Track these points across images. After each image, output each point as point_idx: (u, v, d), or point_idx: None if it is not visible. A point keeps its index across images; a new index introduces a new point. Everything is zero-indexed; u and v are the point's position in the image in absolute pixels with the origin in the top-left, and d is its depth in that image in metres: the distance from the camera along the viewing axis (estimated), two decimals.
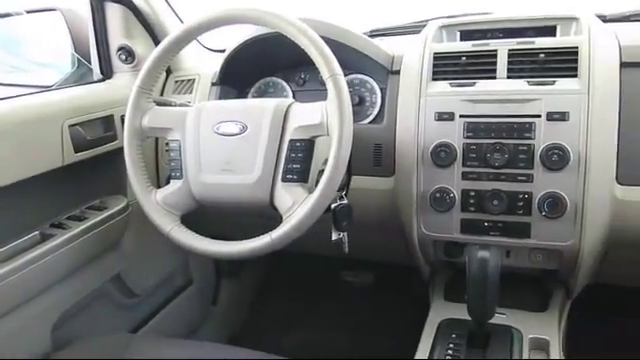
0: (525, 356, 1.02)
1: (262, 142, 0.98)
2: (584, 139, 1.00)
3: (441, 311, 1.16)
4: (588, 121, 1.00)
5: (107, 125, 1.29)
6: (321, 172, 0.95)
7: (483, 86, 1.09)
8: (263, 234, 0.95)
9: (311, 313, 1.91)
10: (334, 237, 1.05)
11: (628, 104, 1.02)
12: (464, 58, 1.12)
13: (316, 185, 0.94)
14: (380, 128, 1.19)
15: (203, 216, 1.11)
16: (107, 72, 1.46)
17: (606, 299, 1.53)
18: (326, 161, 0.93)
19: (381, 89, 1.24)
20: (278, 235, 0.94)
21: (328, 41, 0.97)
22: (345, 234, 1.06)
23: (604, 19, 1.27)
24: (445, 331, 1.10)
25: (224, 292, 1.83)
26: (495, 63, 1.10)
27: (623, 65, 1.04)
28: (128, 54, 1.43)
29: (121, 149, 1.09)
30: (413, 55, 1.17)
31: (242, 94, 1.39)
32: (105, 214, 1.26)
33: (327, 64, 0.92)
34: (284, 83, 1.36)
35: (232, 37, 1.32)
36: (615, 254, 1.14)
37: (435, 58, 1.14)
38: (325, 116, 0.93)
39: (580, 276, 1.13)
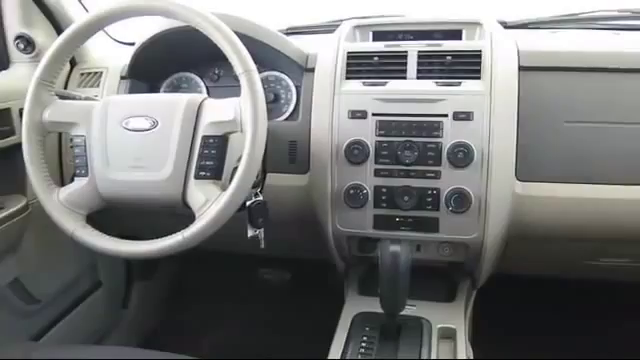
0: (434, 345, 1.06)
1: (174, 138, 0.96)
2: (487, 138, 1.06)
3: (355, 305, 1.19)
4: (490, 121, 1.06)
5: (3, 119, 1.20)
6: (235, 169, 0.94)
7: (394, 86, 1.12)
8: (176, 233, 0.93)
9: (229, 312, 1.89)
10: (250, 234, 1.04)
11: (526, 106, 1.09)
12: (376, 58, 1.15)
13: (230, 182, 0.93)
14: (295, 125, 1.19)
15: (111, 215, 1.06)
16: (3, 62, 1.36)
17: (509, 288, 1.63)
18: (240, 158, 0.92)
19: (296, 86, 1.25)
20: (190, 233, 0.92)
21: (242, 37, 0.96)
22: (261, 230, 1.06)
23: (505, 25, 1.35)
24: (359, 325, 1.12)
25: (136, 294, 1.76)
26: (406, 64, 1.13)
27: (521, 69, 1.11)
28: (27, 43, 1.34)
29: (19, 145, 1.02)
30: (327, 54, 1.18)
31: (154, 89, 1.35)
32: (1, 215, 1.17)
33: (240, 60, 0.91)
34: (198, 79, 1.33)
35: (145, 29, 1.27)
36: (515, 246, 1.22)
37: (349, 57, 1.16)
38: (239, 112, 0.92)
39: (484, 267, 1.19)
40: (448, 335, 1.11)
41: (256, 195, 1.06)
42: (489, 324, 1.49)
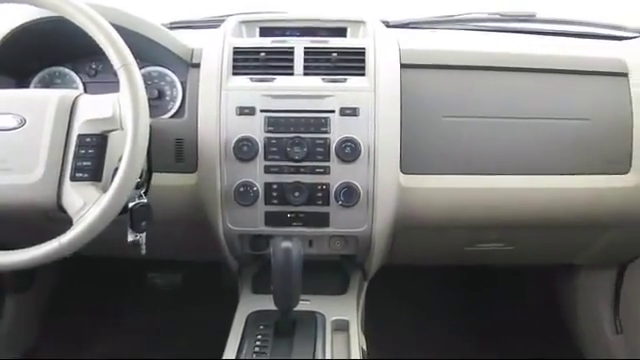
0: (328, 338, 1.08)
1: (45, 137, 0.89)
2: (372, 133, 1.09)
3: (249, 304, 1.17)
4: (375, 116, 1.09)
5: None
6: (117, 170, 0.89)
7: (282, 82, 1.12)
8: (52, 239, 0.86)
9: (115, 321, 1.79)
10: (130, 238, 1.00)
11: (407, 101, 1.14)
12: (263, 54, 1.14)
13: (111, 184, 0.88)
14: (181, 123, 1.15)
15: None
16: None
17: (399, 278, 1.71)
18: (122, 158, 0.87)
19: (181, 82, 1.21)
20: (68, 239, 0.86)
21: (120, 29, 0.91)
22: (143, 235, 1.01)
23: (388, 25, 1.40)
24: (253, 323, 1.11)
25: (9, 308, 1.61)
26: (292, 60, 1.14)
27: (402, 66, 1.16)
28: None
29: None
30: (213, 49, 1.16)
31: (22, 85, 1.24)
32: None
33: (118, 53, 0.87)
34: (73, 73, 1.24)
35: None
36: (403, 236, 1.27)
37: (235, 53, 1.14)
38: (118, 109, 0.88)
39: (374, 258, 1.23)
40: (342, 327, 1.13)
41: (140, 197, 1.01)
42: (381, 314, 1.55)
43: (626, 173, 1.18)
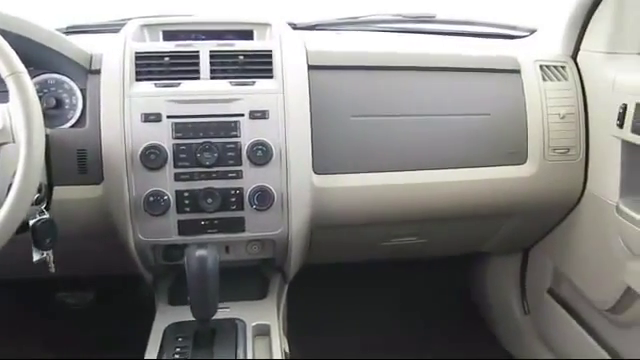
0: (249, 344, 1.07)
1: None
2: (283, 135, 1.09)
3: (166, 317, 1.14)
4: (285, 118, 1.09)
5: None
6: (11, 185, 0.83)
7: (188, 86, 1.10)
8: None
9: (21, 348, 1.67)
10: (36, 258, 0.94)
11: (317, 102, 1.15)
12: (167, 58, 1.11)
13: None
14: (83, 132, 1.10)
15: None
16: None
17: (319, 277, 1.72)
18: (15, 172, 0.81)
19: (81, 90, 1.14)
20: None
21: (7, 35, 0.85)
22: (50, 252, 0.96)
23: (294, 27, 1.41)
24: (171, 336, 1.08)
25: None
26: (198, 64, 1.11)
27: (310, 68, 1.17)
28: None
29: None
30: (113, 54, 1.11)
31: None
32: None
33: (4, 61, 0.81)
34: None
35: None
36: (320, 236, 1.28)
37: (137, 58, 1.10)
38: (8, 120, 0.82)
39: (293, 260, 1.23)
40: (263, 332, 1.12)
41: (41, 213, 0.95)
42: (303, 315, 1.55)
43: (523, 163, 1.26)
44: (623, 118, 1.14)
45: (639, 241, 1.10)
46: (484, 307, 1.84)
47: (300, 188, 1.12)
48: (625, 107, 1.13)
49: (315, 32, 1.47)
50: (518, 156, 1.25)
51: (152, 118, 1.06)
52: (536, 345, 1.59)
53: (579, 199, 1.31)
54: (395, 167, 1.19)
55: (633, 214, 1.11)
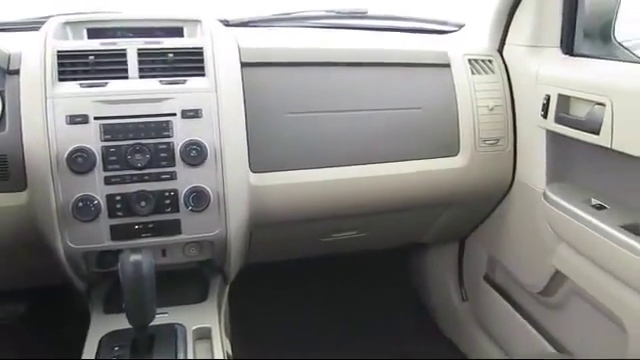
0: (190, 348, 1.04)
1: None
2: (217, 134, 1.07)
3: (101, 326, 1.09)
4: (219, 117, 1.07)
5: None
6: None
7: (115, 86, 1.06)
8: None
9: None
10: None
11: (251, 100, 1.14)
12: (92, 57, 1.06)
13: None
14: (2, 137, 1.04)
15: None
16: None
17: (261, 276, 1.71)
18: None
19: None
20: None
21: None
22: None
23: (227, 24, 1.39)
24: (107, 346, 1.04)
25: None
26: (126, 62, 1.08)
27: (243, 65, 1.15)
28: None
29: None
30: (33, 53, 1.05)
31: None
32: None
33: None
34: None
35: None
36: (260, 235, 1.27)
37: (60, 57, 1.05)
38: None
39: (233, 261, 1.21)
40: (204, 335, 1.09)
41: None
42: (247, 316, 1.54)
43: (456, 155, 1.29)
44: (547, 109, 1.19)
45: (565, 226, 1.15)
46: (424, 296, 1.88)
47: (237, 187, 1.11)
48: (548, 98, 1.19)
49: (248, 29, 1.45)
50: (450, 148, 1.29)
51: (78, 120, 1.02)
52: (474, 330, 1.64)
53: (509, 188, 1.37)
54: (331, 163, 1.20)
55: (559, 200, 1.17)
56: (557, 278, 1.26)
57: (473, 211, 1.48)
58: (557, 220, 1.18)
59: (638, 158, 0.98)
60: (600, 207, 1.10)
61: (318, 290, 1.94)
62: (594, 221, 1.06)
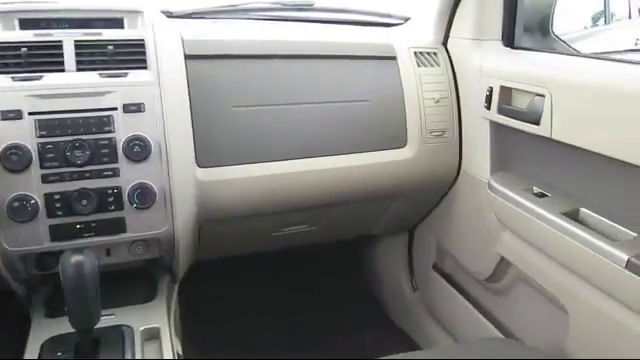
0: (138, 349, 1.01)
1: None
2: (161, 128, 1.04)
3: (42, 331, 1.05)
4: (163, 111, 1.04)
5: None
6: None
7: (51, 80, 1.01)
8: None
9: None
10: None
11: (196, 93, 1.11)
12: (25, 49, 1.01)
13: None
14: None
15: None
16: None
17: (213, 272, 1.68)
18: None
19: None
20: None
21: None
22: None
23: (170, 15, 1.35)
24: (49, 351, 0.99)
25: None
26: (62, 55, 1.03)
27: (187, 57, 1.12)
28: None
29: None
30: None
31: None
32: None
33: None
34: None
35: None
36: (210, 231, 1.25)
37: None
38: None
39: (181, 258, 1.19)
40: (152, 335, 1.07)
41: None
42: (198, 314, 1.51)
43: (403, 147, 1.31)
44: (490, 100, 1.22)
45: (509, 214, 1.19)
46: (376, 288, 1.90)
47: (183, 183, 1.08)
48: (491, 90, 1.22)
49: (192, 20, 1.41)
50: (398, 140, 1.30)
51: (11, 115, 0.96)
52: (425, 319, 1.67)
53: (455, 178, 1.39)
54: (280, 156, 1.18)
55: (502, 189, 1.20)
56: (502, 265, 1.29)
57: (421, 202, 1.50)
58: (501, 209, 1.21)
59: (576, 147, 1.02)
60: (542, 195, 1.14)
61: (270, 285, 1.93)
62: (536, 209, 1.09)
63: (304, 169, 1.21)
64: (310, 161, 1.21)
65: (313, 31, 1.45)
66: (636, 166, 0.90)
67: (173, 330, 1.12)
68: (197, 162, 1.11)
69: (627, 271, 0.89)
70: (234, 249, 1.47)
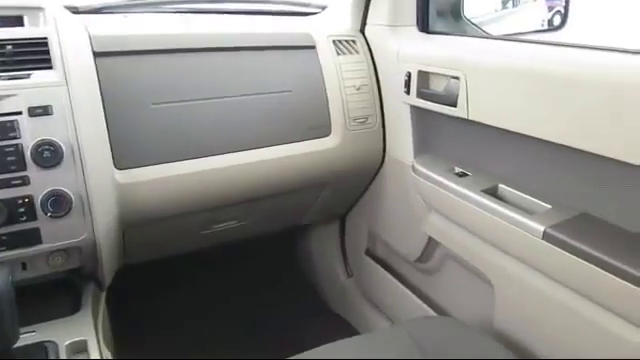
0: None
1: None
2: (73, 131, 0.98)
3: None
4: (72, 112, 0.98)
5: None
6: None
7: None
8: None
9: None
10: None
11: (110, 92, 1.06)
12: None
13: None
14: None
15: None
16: None
17: (143, 277, 1.63)
18: None
19: None
20: None
21: None
22: None
23: (76, 11, 1.28)
24: None
25: None
26: None
27: (96, 55, 1.07)
28: None
29: None
30: None
31: None
32: None
33: None
34: None
35: None
36: (135, 234, 1.20)
37: None
38: None
39: (106, 266, 1.13)
40: (80, 348, 1.01)
41: None
42: (130, 321, 1.45)
43: (328, 136, 1.31)
44: (409, 85, 1.24)
45: (433, 195, 1.22)
46: (312, 276, 1.91)
47: (101, 187, 1.03)
48: (409, 75, 1.24)
49: (101, 16, 1.34)
50: (322, 129, 1.30)
51: None
52: (361, 304, 1.70)
53: (381, 163, 1.42)
54: (203, 153, 1.15)
55: (426, 171, 1.23)
56: (431, 245, 1.33)
57: (350, 189, 1.52)
58: (426, 190, 1.24)
59: (492, 126, 1.05)
60: (462, 174, 1.18)
61: (205, 284, 1.89)
62: (458, 188, 1.13)
63: (229, 164, 1.19)
64: (235, 156, 1.19)
65: (229, 23, 1.42)
66: (547, 141, 0.94)
67: (102, 341, 1.07)
68: (115, 164, 1.06)
69: (544, 241, 0.94)
70: (162, 251, 1.42)
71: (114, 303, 1.28)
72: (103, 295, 1.22)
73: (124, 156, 1.07)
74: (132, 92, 1.10)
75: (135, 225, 1.16)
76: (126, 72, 1.10)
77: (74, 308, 1.12)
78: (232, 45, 1.24)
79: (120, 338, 1.27)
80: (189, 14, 1.45)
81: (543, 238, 0.94)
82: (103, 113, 1.04)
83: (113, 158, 1.05)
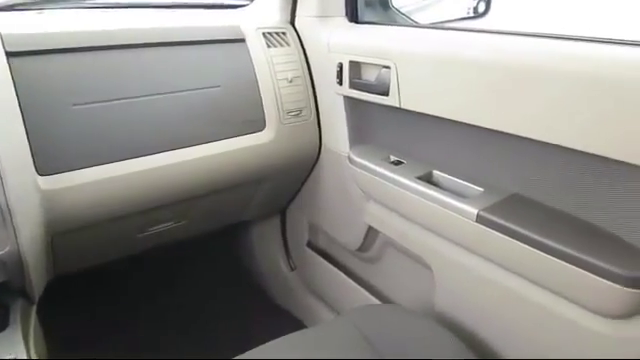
0: None
1: None
2: None
3: None
4: None
5: None
6: None
7: None
8: None
9: None
10: None
11: (27, 94, 1.00)
12: None
13: None
14: None
15: None
16: None
17: (78, 285, 1.56)
18: None
19: None
20: None
21: None
22: None
23: None
24: None
25: None
26: None
27: (9, 54, 1.00)
28: None
29: None
30: None
31: None
32: None
33: None
34: None
35: None
36: (64, 243, 1.14)
37: None
38: None
39: (35, 278, 1.07)
40: None
41: None
42: (69, 334, 1.39)
43: (262, 130, 1.29)
44: (341, 76, 1.25)
45: (370, 185, 1.23)
46: (256, 272, 1.89)
47: (23, 195, 0.97)
48: (341, 66, 1.24)
49: (13, 13, 1.26)
50: (256, 124, 1.28)
51: None
52: (306, 297, 1.70)
53: (318, 155, 1.41)
54: (133, 154, 1.11)
55: (362, 161, 1.24)
56: (371, 234, 1.34)
57: (287, 182, 1.51)
58: (363, 180, 1.25)
59: (423, 114, 1.07)
60: (398, 163, 1.20)
61: (147, 287, 1.84)
62: (393, 176, 1.14)
63: (162, 164, 1.15)
64: (167, 155, 1.15)
65: (153, 17, 1.37)
66: (478, 127, 0.97)
67: (34, 357, 1.02)
68: (37, 170, 1.00)
69: (478, 224, 0.97)
70: (96, 258, 1.36)
71: (48, 317, 1.22)
72: (34, 309, 1.15)
73: (47, 161, 1.01)
74: (51, 93, 1.04)
75: (64, 233, 1.10)
76: (43, 72, 1.04)
77: (2, 325, 1.05)
78: (157, 41, 1.19)
79: (56, 353, 1.22)
80: (110, 9, 1.39)
81: (477, 221, 0.97)
82: (21, 117, 0.98)
83: (35, 164, 0.99)
